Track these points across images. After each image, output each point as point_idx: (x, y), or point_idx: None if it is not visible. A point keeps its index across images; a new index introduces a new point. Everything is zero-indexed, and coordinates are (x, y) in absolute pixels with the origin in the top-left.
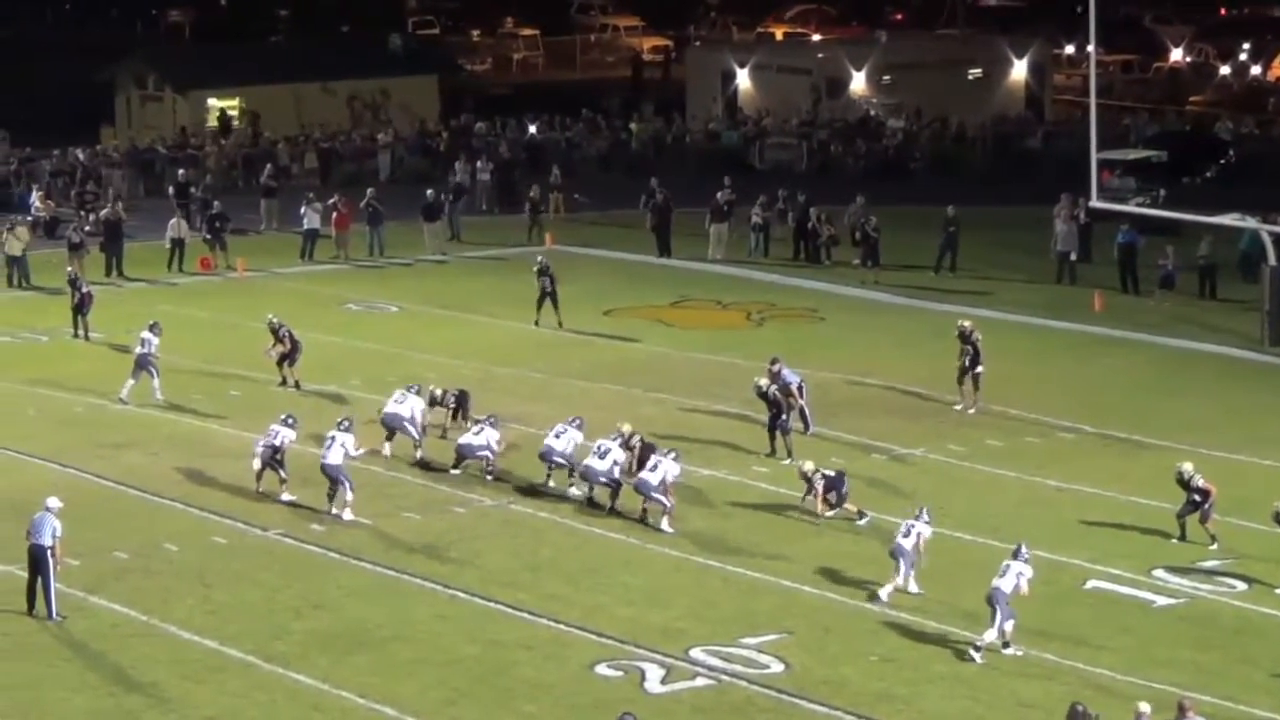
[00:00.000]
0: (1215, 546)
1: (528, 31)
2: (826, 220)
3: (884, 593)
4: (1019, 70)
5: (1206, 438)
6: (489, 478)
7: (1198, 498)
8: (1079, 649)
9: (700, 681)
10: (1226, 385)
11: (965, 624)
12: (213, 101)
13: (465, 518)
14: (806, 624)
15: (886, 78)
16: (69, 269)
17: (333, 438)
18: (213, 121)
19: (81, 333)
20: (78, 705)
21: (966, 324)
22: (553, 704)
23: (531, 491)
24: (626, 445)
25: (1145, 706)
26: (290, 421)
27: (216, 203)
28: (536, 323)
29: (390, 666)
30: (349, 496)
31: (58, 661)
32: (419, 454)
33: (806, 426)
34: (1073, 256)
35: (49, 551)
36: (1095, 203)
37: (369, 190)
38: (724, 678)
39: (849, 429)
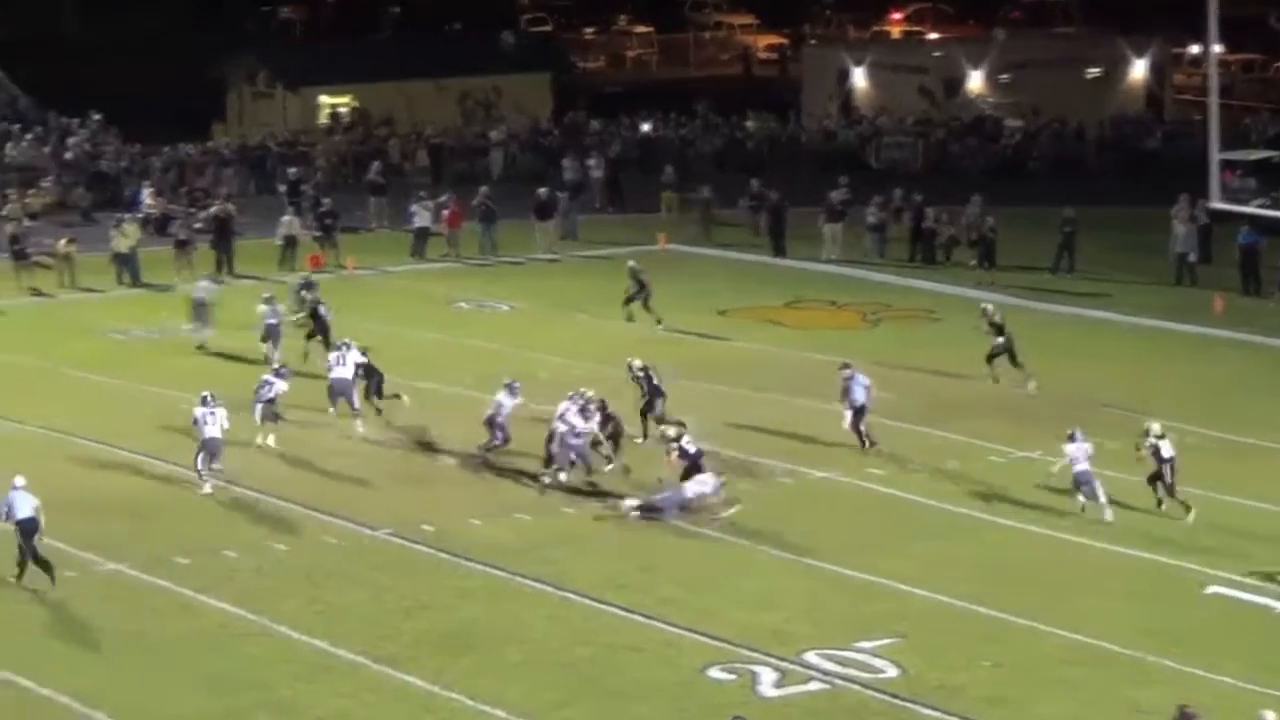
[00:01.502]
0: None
1: (641, 29)
2: (944, 220)
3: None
4: (1138, 69)
5: None
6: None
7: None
8: (1197, 655)
9: (813, 685)
10: None
11: (1080, 629)
12: (324, 98)
13: (577, 519)
14: (920, 627)
15: (1004, 76)
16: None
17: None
18: (323, 118)
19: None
20: (186, 706)
21: (989, 307)
22: (664, 707)
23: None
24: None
25: (1270, 715)
26: (283, 372)
27: (327, 200)
28: (630, 319)
29: (500, 668)
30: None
31: (166, 661)
32: (359, 426)
33: (863, 444)
34: (1192, 258)
35: (35, 522)
36: (1215, 204)
37: (481, 189)
38: (837, 682)
39: (963, 430)
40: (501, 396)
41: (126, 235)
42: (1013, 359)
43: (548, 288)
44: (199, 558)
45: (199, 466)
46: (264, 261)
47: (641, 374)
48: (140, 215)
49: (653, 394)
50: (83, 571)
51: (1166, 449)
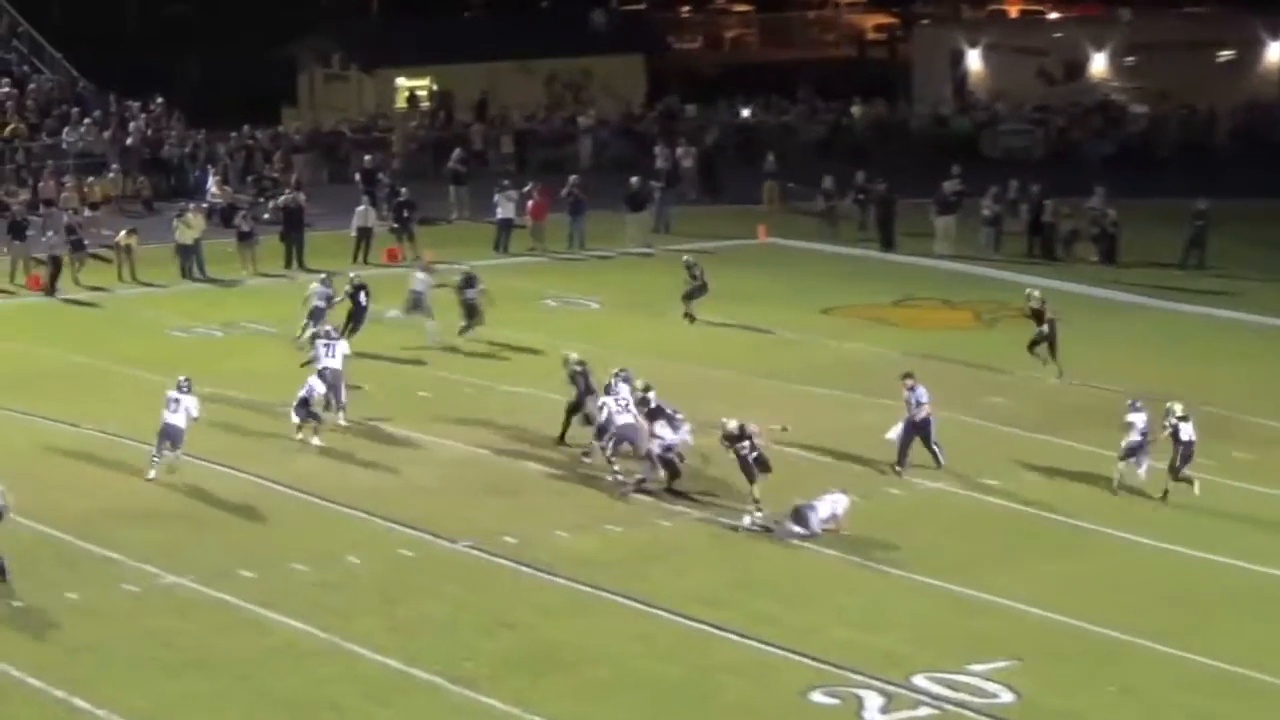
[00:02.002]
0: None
1: (741, 7)
2: (1064, 213)
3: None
4: (1274, 52)
5: None
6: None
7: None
8: None
9: (923, 711)
10: None
11: (1217, 654)
12: (401, 81)
13: (669, 531)
14: (1038, 649)
15: (1130, 59)
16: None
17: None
18: (401, 102)
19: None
20: None
21: (1037, 293)
22: None
23: (740, 503)
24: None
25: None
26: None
27: (404, 189)
28: (687, 315)
29: (587, 689)
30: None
31: (230, 682)
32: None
33: (899, 462)
34: None
35: None
36: None
37: (571, 178)
38: (949, 707)
39: (1082, 438)
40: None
41: (190, 226)
42: (1051, 348)
43: (639, 284)
44: (265, 570)
45: (154, 450)
46: (336, 255)
47: (579, 369)
48: (205, 205)
49: (585, 393)
50: (142, 584)
51: (1186, 431)
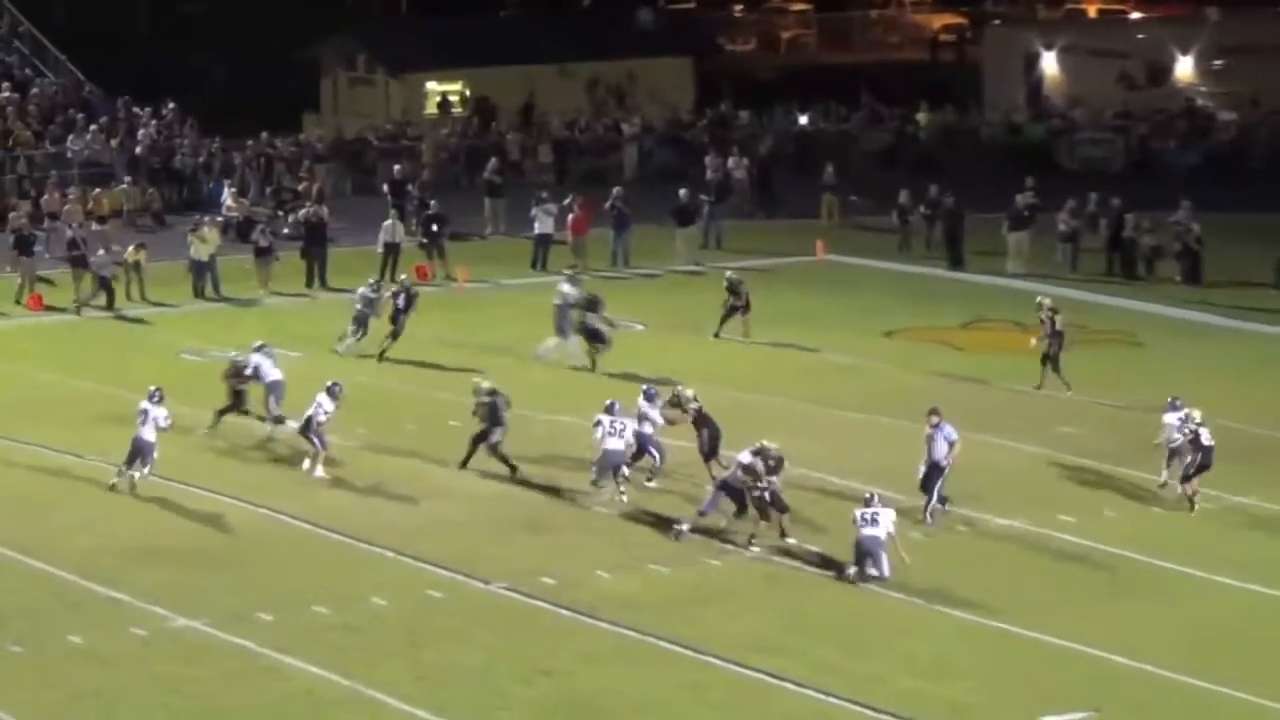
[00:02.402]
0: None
1: (799, 6)
2: (1146, 229)
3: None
4: None
5: None
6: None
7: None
8: None
9: None
10: None
11: None
12: (432, 85)
13: (720, 571)
14: (1118, 699)
15: (1218, 62)
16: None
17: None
18: (432, 108)
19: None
20: None
21: (1048, 301)
22: None
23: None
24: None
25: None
26: (335, 390)
27: (433, 202)
28: (717, 335)
29: None
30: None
31: None
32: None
33: (941, 502)
34: None
35: None
36: None
37: (615, 190)
38: None
39: (1169, 472)
40: (644, 407)
41: (205, 241)
42: (1054, 362)
43: (688, 304)
44: (284, 613)
45: (122, 465)
46: (360, 272)
47: (487, 400)
48: (220, 218)
49: (493, 423)
50: (150, 628)
51: (1205, 436)
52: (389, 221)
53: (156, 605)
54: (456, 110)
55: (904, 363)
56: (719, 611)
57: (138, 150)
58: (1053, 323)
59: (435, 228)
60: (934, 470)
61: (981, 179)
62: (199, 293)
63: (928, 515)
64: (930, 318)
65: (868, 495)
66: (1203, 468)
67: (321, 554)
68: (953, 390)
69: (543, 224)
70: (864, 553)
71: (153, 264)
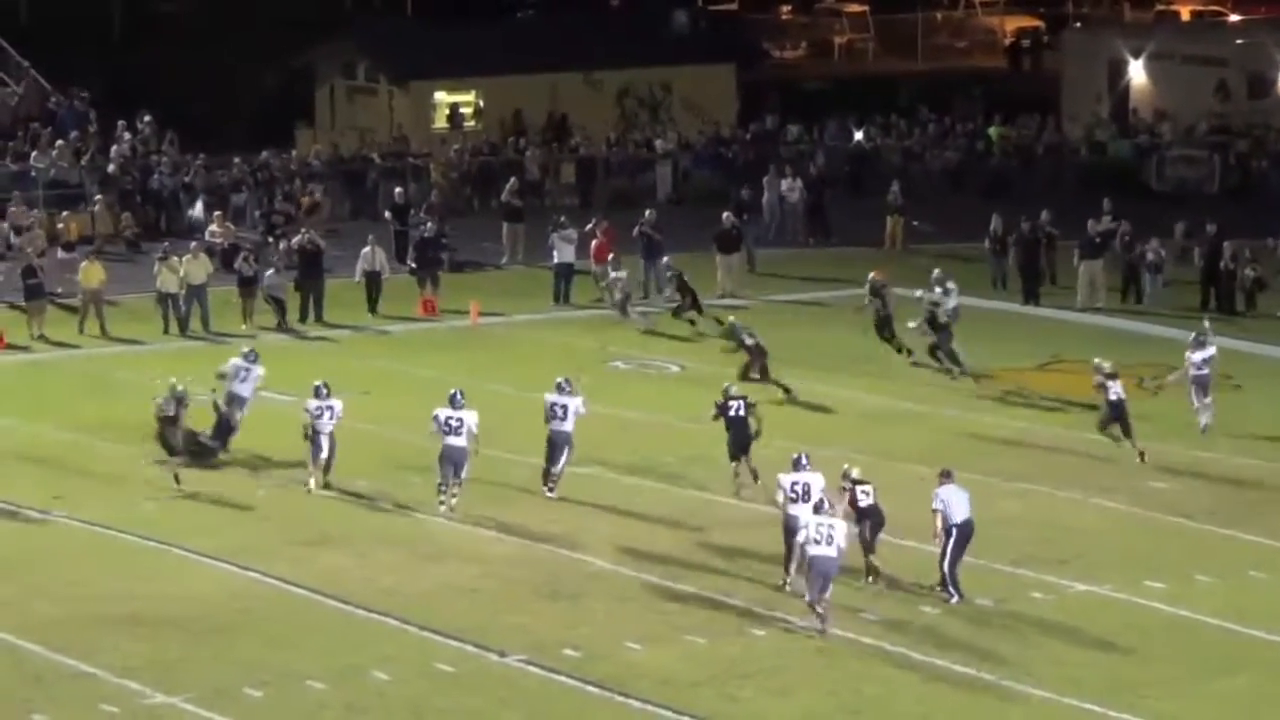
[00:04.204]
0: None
1: (854, 7)
2: (1247, 259)
3: None
4: None
5: None
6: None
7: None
8: None
9: None
10: None
11: None
12: (440, 95)
13: (764, 642)
14: None
15: None
16: None
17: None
18: (441, 121)
19: None
20: None
21: (1107, 365)
22: None
23: (850, 611)
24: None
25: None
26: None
27: (429, 222)
28: (903, 350)
29: None
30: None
31: None
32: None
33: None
34: None
35: None
36: None
37: (647, 213)
38: None
39: (1265, 529)
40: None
41: (174, 270)
42: (1125, 427)
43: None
44: (275, 689)
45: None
46: (359, 305)
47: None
48: (204, 245)
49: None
50: (123, 705)
51: (1115, 390)
52: (368, 248)
53: (131, 679)
54: (469, 124)
55: (973, 408)
56: (764, 689)
57: (110, 169)
58: (1105, 388)
59: (430, 254)
60: (949, 536)
61: (1059, 202)
62: (167, 328)
63: (951, 590)
64: (1004, 358)
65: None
66: (1110, 422)
67: (317, 622)
68: (1031, 438)
69: (562, 253)
70: (817, 575)
71: (124, 296)
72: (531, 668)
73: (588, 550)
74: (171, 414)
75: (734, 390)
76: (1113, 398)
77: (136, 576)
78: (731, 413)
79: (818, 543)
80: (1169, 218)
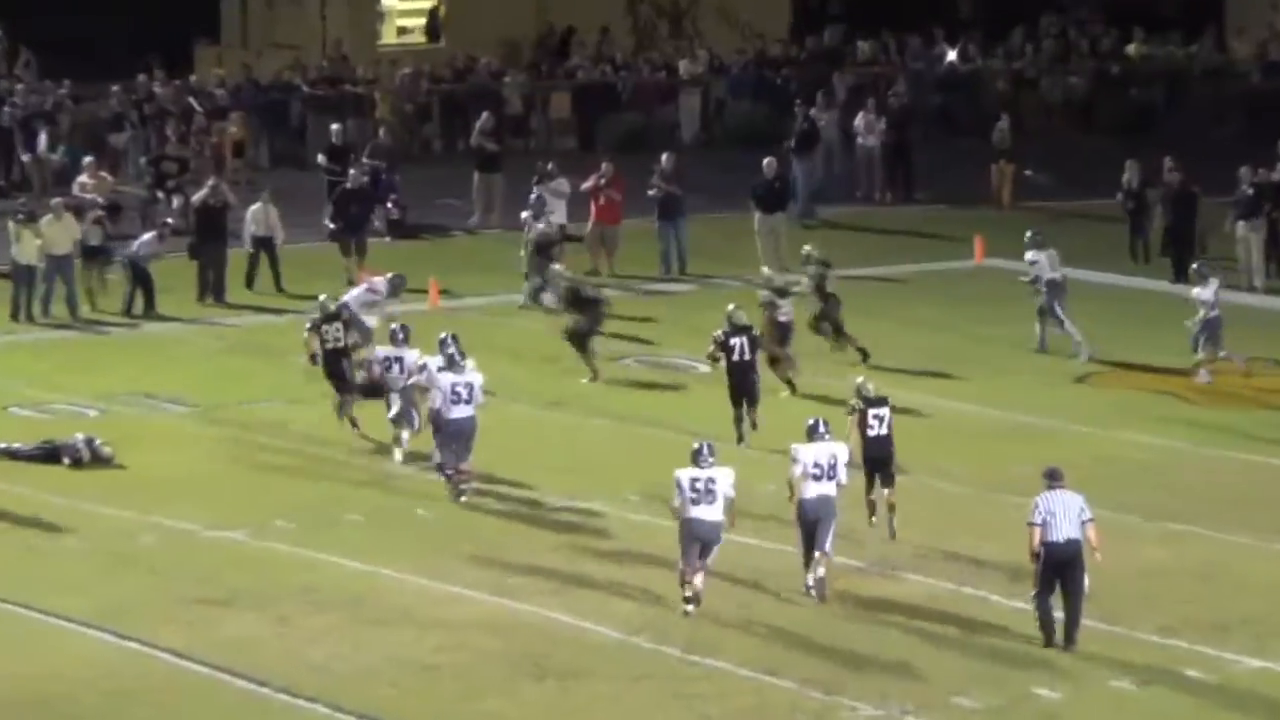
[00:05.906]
0: None
1: None
2: None
3: None
4: None
5: None
6: None
7: None
8: None
9: None
10: None
11: None
12: (390, 2)
13: None
14: None
15: None
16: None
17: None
18: (390, 37)
19: None
20: None
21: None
22: None
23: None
24: None
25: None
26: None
27: (355, 173)
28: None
29: None
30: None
31: None
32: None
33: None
34: None
35: None
36: None
37: (663, 158)
38: None
39: None
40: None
41: (39, 236)
42: None
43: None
44: None
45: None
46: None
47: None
48: (71, 202)
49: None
50: None
51: (785, 312)
52: (257, 205)
53: None
54: (426, 41)
55: (1106, 423)
56: None
57: None
58: None
59: (354, 209)
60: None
61: (1220, 144)
62: (15, 313)
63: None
64: (1143, 352)
65: (696, 446)
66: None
67: (221, 710)
68: (1180, 462)
69: (554, 209)
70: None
71: None
72: None
73: (583, 612)
74: (342, 343)
75: (741, 318)
76: None
77: None
78: (735, 356)
79: (695, 502)
80: None
